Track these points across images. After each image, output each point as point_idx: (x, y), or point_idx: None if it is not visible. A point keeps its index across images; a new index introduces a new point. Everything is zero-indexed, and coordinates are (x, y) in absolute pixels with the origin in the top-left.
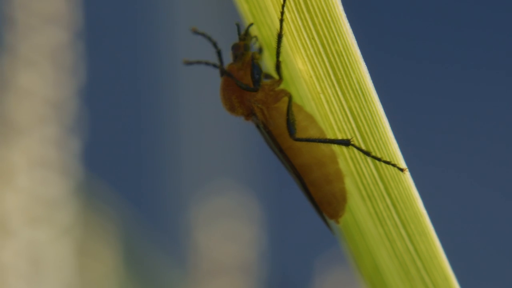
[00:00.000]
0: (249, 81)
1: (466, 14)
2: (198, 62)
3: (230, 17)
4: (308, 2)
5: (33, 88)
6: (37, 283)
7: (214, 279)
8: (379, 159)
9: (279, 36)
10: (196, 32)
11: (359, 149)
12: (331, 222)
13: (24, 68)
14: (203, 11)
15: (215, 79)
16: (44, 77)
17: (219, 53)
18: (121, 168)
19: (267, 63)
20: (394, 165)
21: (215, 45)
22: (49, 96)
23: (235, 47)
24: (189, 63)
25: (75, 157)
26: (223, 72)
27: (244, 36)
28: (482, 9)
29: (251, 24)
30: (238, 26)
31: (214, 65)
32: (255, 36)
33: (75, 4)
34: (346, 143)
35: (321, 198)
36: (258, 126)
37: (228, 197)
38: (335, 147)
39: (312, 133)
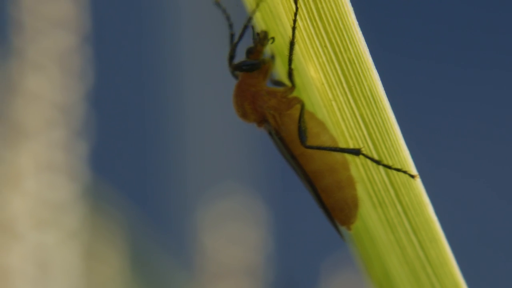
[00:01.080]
0: (261, 88)
1: (474, 19)
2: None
3: (237, 20)
4: (321, 10)
5: (41, 91)
6: (44, 286)
7: (220, 282)
8: (390, 167)
9: (291, 44)
10: (217, 5)
11: (370, 158)
12: (342, 229)
13: (31, 72)
14: (210, 16)
15: (222, 83)
16: (52, 80)
17: (232, 36)
18: (128, 172)
19: (280, 71)
20: (405, 172)
21: (230, 26)
22: (56, 100)
23: (251, 52)
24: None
25: (82, 161)
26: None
27: (261, 41)
28: (496, 13)
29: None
30: (253, 28)
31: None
32: (272, 38)
33: (83, 8)
34: (356, 152)
35: (333, 204)
36: (270, 133)
37: (234, 200)
38: (346, 154)
39: (324, 139)
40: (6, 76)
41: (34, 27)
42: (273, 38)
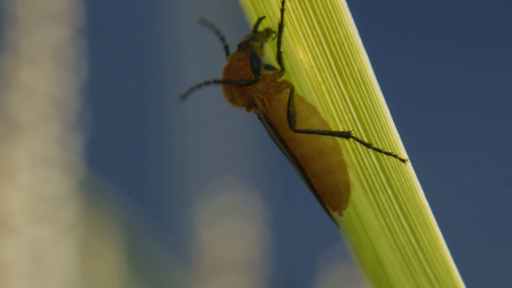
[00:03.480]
0: (250, 71)
1: (468, 4)
2: (190, 90)
3: (233, 9)
4: None
5: (36, 85)
6: (40, 281)
7: (218, 277)
8: (380, 151)
9: (280, 26)
10: (203, 22)
11: (360, 141)
12: (336, 215)
13: (26, 66)
14: (206, 6)
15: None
16: (47, 74)
17: (226, 48)
18: (124, 166)
19: (269, 54)
20: (395, 156)
21: (222, 39)
22: (51, 94)
23: (246, 39)
24: (183, 96)
25: (78, 155)
26: (222, 81)
27: (260, 34)
28: (483, 4)
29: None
30: (259, 20)
31: (206, 83)
32: (269, 32)
33: (77, 1)
34: (346, 135)
35: (324, 189)
36: (259, 118)
37: (232, 194)
38: (337, 138)
39: (314, 123)
40: (1, 70)
41: (28, 20)
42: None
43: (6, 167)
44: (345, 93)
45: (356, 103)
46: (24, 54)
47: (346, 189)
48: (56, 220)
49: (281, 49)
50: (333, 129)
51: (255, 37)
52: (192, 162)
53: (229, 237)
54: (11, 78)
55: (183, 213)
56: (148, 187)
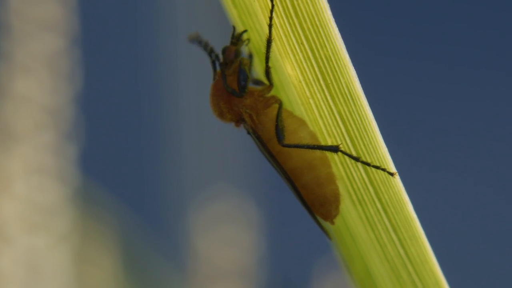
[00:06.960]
0: (237, 87)
1: (447, 13)
2: (199, 42)
3: (226, 25)
4: (297, 7)
5: (30, 94)
6: None
7: (213, 284)
8: (368, 164)
9: (268, 41)
10: (193, 39)
11: (348, 155)
12: (327, 225)
13: (20, 75)
14: (201, 18)
15: None
16: (41, 83)
17: (213, 63)
18: (119, 174)
19: (257, 69)
20: (384, 170)
21: (217, 56)
22: (45, 103)
23: (225, 51)
24: (193, 38)
25: (72, 164)
26: (217, 68)
27: (236, 40)
28: (466, 8)
29: (244, 31)
30: (234, 29)
31: (211, 52)
32: (247, 40)
33: (71, 10)
34: (334, 149)
35: (314, 200)
36: (248, 133)
37: (227, 202)
38: (326, 152)
39: (302, 135)
40: None
41: (22, 30)
42: (248, 40)
43: (1, 176)
44: (333, 107)
45: (344, 117)
46: (18, 63)
47: (335, 198)
48: (51, 228)
49: (270, 64)
50: (322, 142)
51: (238, 49)
52: (187, 169)
53: (225, 245)
54: (5, 88)
55: (178, 220)
56: (143, 195)
